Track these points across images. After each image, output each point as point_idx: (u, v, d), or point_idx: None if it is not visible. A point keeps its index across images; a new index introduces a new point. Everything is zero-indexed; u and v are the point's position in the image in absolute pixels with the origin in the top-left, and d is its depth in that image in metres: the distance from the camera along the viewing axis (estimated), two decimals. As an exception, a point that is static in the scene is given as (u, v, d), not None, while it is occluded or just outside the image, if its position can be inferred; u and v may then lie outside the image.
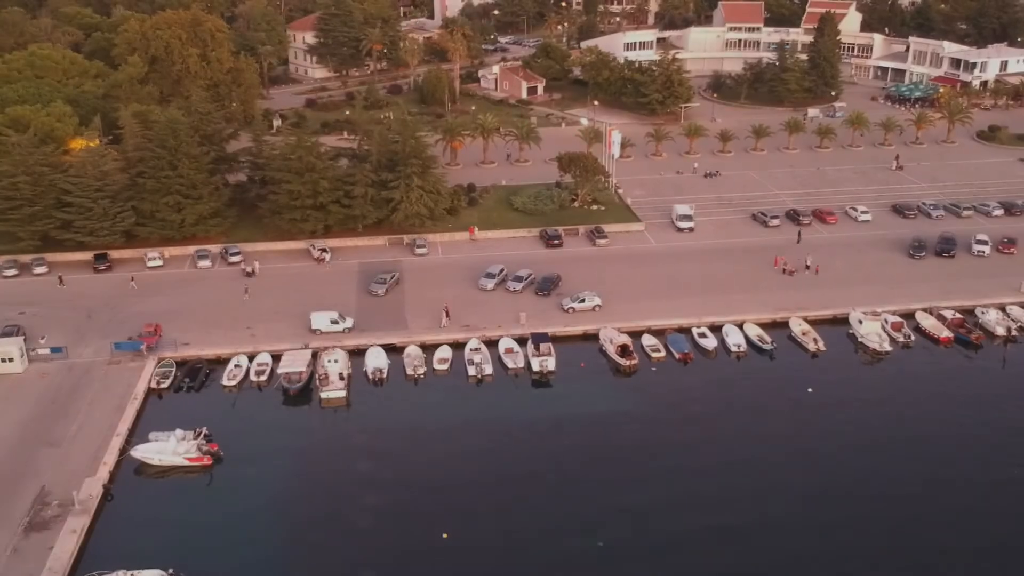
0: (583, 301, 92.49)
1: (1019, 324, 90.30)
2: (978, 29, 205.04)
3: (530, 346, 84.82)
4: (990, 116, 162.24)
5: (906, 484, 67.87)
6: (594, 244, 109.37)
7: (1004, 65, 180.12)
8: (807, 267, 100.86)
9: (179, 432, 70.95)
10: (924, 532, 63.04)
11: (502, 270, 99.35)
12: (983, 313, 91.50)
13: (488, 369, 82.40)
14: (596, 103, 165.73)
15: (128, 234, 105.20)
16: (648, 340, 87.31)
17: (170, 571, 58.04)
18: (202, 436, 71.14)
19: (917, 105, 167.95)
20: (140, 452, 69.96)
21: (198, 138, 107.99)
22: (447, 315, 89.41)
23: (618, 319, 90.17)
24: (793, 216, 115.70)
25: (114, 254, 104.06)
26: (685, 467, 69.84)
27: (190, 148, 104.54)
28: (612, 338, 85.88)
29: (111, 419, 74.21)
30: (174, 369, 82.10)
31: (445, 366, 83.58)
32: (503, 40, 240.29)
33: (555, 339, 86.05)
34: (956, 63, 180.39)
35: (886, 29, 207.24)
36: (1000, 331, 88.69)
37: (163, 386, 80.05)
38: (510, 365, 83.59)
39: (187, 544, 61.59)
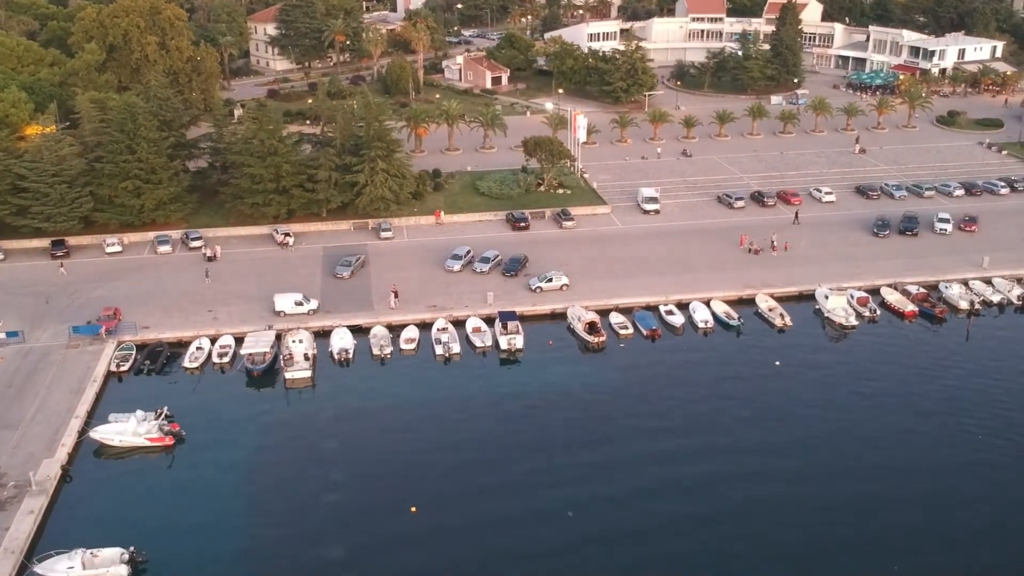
0: (550, 280, 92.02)
1: (982, 298, 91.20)
2: (936, 19, 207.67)
3: (498, 325, 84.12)
4: (949, 103, 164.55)
5: (872, 452, 68.00)
6: (561, 226, 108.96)
7: (962, 53, 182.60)
8: (772, 246, 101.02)
9: (139, 413, 69.33)
10: (891, 498, 63.04)
11: (468, 252, 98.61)
12: (947, 288, 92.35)
13: (455, 348, 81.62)
14: (561, 91, 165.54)
15: (86, 220, 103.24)
16: (616, 318, 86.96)
17: (131, 549, 56.60)
18: (163, 416, 69.66)
19: (878, 92, 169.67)
20: (100, 433, 68.23)
21: (157, 123, 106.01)
22: (395, 296, 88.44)
23: (585, 298, 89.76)
24: (758, 198, 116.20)
25: (72, 240, 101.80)
26: (655, 439, 69.45)
27: (149, 132, 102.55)
28: (580, 316, 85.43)
29: (69, 401, 72.45)
30: (134, 352, 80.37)
31: (412, 346, 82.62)
32: (467, 33, 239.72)
33: (523, 318, 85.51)
34: (915, 51, 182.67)
35: (846, 19, 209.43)
36: (963, 305, 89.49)
37: (123, 369, 78.33)
38: (478, 344, 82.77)
39: (148, 524, 60.11)
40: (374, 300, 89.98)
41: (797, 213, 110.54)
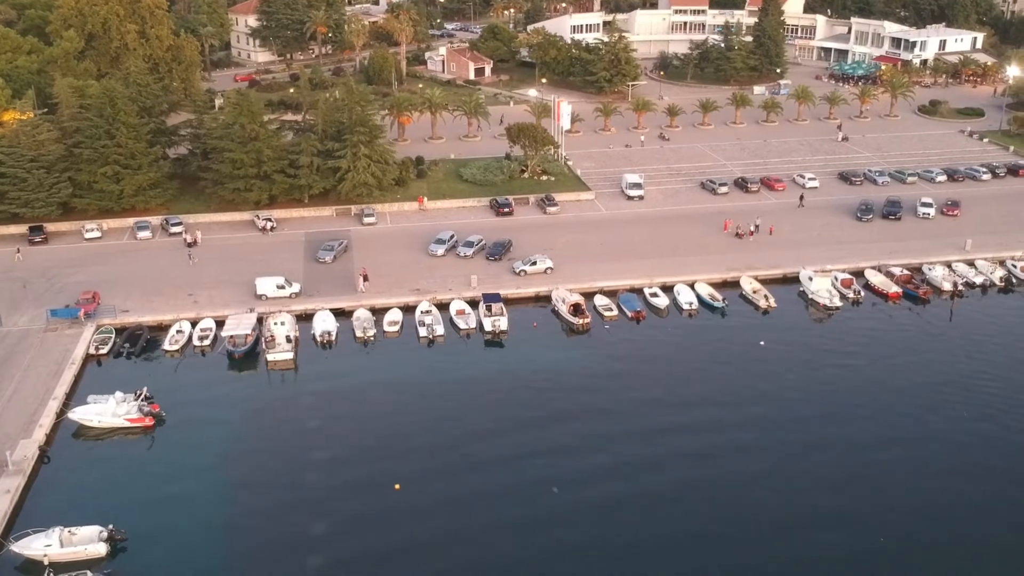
0: (534, 264, 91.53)
1: (965, 280, 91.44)
2: (917, 11, 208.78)
3: (482, 307, 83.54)
4: (930, 93, 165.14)
5: (857, 429, 67.86)
6: (545, 212, 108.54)
7: (943, 44, 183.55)
8: (751, 231, 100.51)
9: (119, 394, 68.33)
10: (876, 474, 62.87)
11: (452, 236, 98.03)
12: (930, 269, 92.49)
13: (439, 330, 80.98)
14: (544, 81, 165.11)
15: (65, 206, 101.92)
16: (600, 300, 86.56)
17: (110, 527, 55.73)
18: (142, 397, 68.67)
19: (860, 83, 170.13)
20: (78, 414, 67.24)
21: (136, 109, 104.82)
22: (365, 279, 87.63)
23: (570, 281, 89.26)
24: (742, 184, 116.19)
25: (50, 227, 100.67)
26: (640, 418, 69.08)
27: (128, 117, 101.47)
28: (565, 298, 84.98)
29: (47, 384, 71.39)
30: (113, 335, 79.34)
31: (395, 328, 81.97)
32: (449, 26, 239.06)
33: (507, 301, 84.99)
34: (897, 43, 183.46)
35: (828, 11, 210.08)
36: (947, 286, 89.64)
37: (102, 352, 77.32)
38: (462, 326, 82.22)
39: (128, 503, 59.19)
40: (357, 284, 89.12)
41: (802, 196, 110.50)
